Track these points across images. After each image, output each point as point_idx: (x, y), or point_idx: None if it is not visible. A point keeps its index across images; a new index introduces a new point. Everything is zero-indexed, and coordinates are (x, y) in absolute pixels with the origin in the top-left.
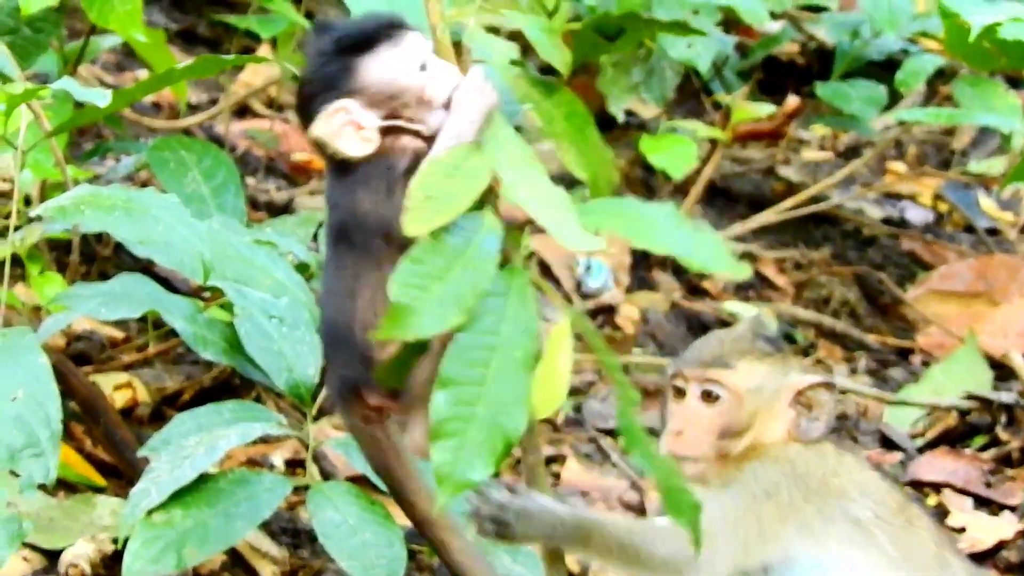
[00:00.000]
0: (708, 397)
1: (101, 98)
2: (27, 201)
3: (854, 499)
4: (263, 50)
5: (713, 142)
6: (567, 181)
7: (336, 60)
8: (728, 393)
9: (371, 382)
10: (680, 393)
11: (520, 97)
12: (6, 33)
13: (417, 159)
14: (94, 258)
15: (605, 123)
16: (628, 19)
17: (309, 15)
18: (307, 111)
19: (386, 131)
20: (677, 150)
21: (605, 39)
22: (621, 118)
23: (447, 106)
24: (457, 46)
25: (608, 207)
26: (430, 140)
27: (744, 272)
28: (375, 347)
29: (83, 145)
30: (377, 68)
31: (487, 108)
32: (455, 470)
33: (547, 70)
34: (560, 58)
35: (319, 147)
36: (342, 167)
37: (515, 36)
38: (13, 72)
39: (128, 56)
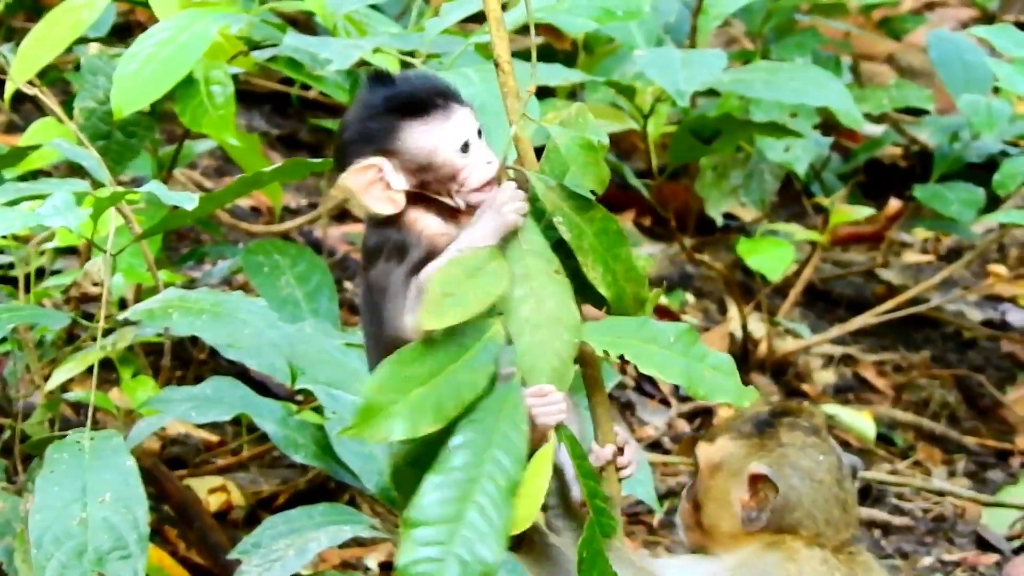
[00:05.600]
0: (694, 467)
1: (189, 201)
2: (124, 305)
3: None
4: None
5: (814, 244)
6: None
7: (381, 117)
8: (699, 464)
9: None
10: None
11: (551, 210)
12: (99, 138)
13: (430, 249)
14: (190, 362)
15: (705, 226)
16: (724, 121)
17: None
18: (342, 159)
19: (413, 201)
20: (774, 253)
21: (701, 142)
22: (720, 221)
23: (480, 190)
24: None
25: (619, 327)
26: (452, 220)
27: (751, 398)
28: None
29: (182, 250)
30: (419, 136)
31: (506, 228)
32: None
33: (645, 173)
34: (595, 176)
35: (346, 197)
36: (372, 220)
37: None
38: (103, 176)
39: (228, 162)
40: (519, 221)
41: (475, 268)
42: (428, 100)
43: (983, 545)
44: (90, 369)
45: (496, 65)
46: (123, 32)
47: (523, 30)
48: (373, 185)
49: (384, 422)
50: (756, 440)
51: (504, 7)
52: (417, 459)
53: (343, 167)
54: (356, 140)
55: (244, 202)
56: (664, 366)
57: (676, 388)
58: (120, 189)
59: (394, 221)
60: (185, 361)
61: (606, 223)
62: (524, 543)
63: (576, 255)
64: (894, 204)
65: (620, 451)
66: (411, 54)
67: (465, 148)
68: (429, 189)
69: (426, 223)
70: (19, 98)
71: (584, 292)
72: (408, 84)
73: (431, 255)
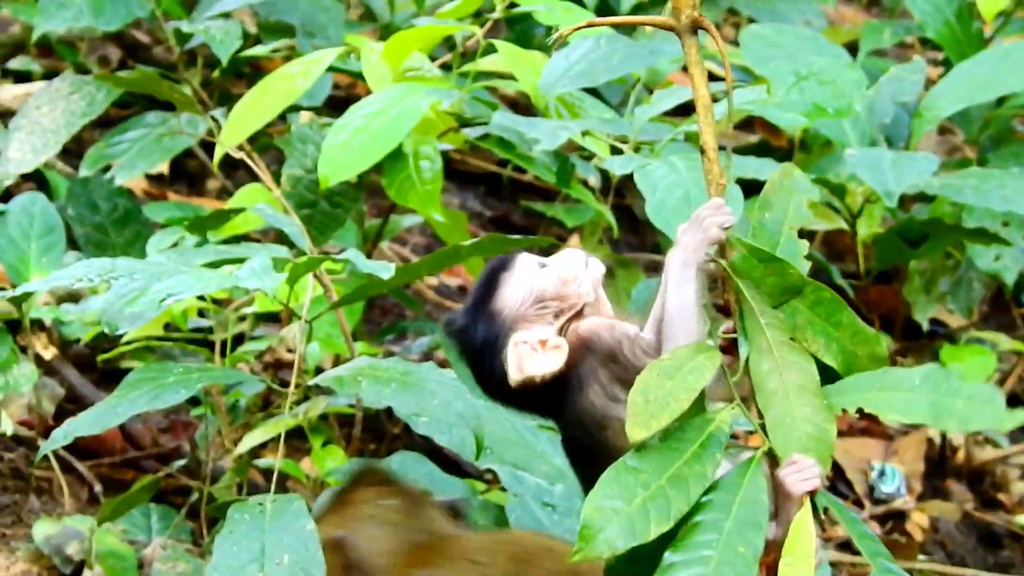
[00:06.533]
0: None
1: (384, 271)
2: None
3: None
4: (574, 239)
5: (1020, 355)
6: None
7: (480, 320)
8: None
9: None
10: None
11: (760, 292)
12: (304, 206)
13: (610, 337)
14: (383, 436)
15: (912, 330)
16: (933, 226)
17: (616, 207)
18: (494, 374)
19: (563, 332)
20: (976, 361)
21: (910, 245)
22: (926, 327)
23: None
24: None
25: (856, 384)
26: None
27: (1014, 420)
28: None
29: (385, 325)
30: (511, 293)
31: (710, 242)
32: None
33: (855, 275)
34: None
35: (528, 389)
36: (552, 394)
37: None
38: (305, 244)
39: (437, 240)
40: (722, 235)
41: (674, 368)
42: (490, 276)
43: None
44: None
45: (702, 152)
46: (341, 105)
47: (741, 125)
48: (534, 355)
49: (603, 538)
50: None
51: (715, 100)
52: (632, 557)
53: (502, 377)
54: (489, 352)
55: (452, 280)
56: (907, 409)
57: (871, 490)
58: (317, 256)
59: (568, 366)
60: (378, 434)
61: (818, 293)
62: None
63: (793, 335)
64: None
65: None
66: (622, 139)
67: (543, 265)
68: (565, 312)
69: (590, 328)
70: (233, 164)
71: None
72: (471, 295)
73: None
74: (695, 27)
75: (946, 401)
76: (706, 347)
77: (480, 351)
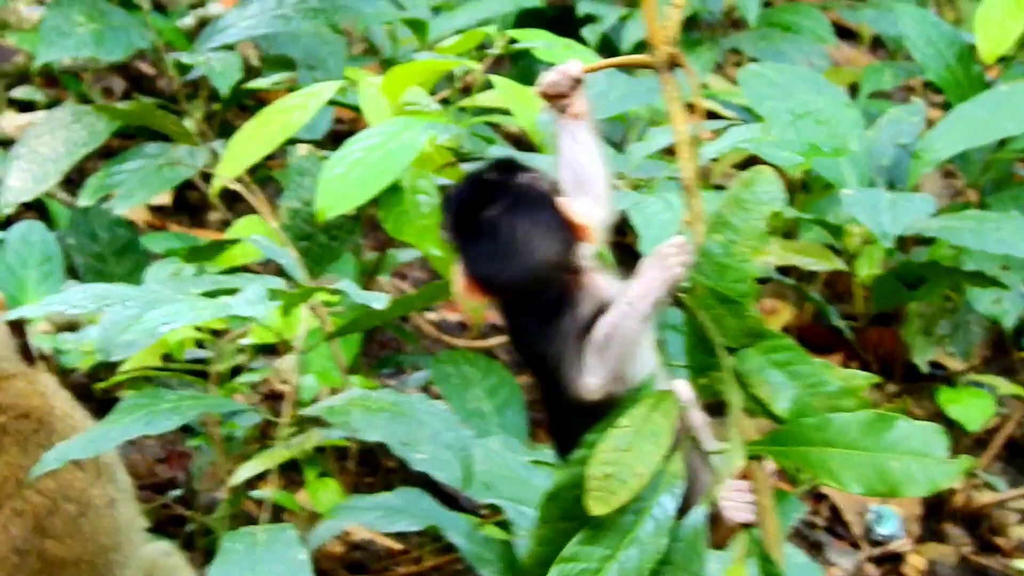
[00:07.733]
0: None
1: (377, 301)
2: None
3: None
4: None
5: (1020, 399)
6: None
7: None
8: None
9: None
10: None
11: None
12: (302, 238)
13: (593, 300)
14: (379, 469)
15: (912, 373)
16: (930, 268)
17: (618, 245)
18: (550, 224)
19: None
20: (975, 404)
21: (908, 287)
22: (926, 369)
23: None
24: None
25: (795, 432)
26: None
27: (949, 479)
28: None
29: (383, 358)
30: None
31: (671, 280)
32: None
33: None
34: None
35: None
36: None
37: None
38: (300, 276)
39: (437, 275)
40: (683, 275)
41: (631, 438)
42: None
43: None
44: (279, 467)
45: (685, 188)
46: (343, 139)
47: (744, 165)
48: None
49: None
50: None
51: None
52: (547, 561)
53: (562, 232)
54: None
55: (452, 315)
56: (840, 471)
57: (868, 531)
58: (311, 286)
59: (563, 292)
60: (374, 468)
61: (776, 340)
62: None
63: (741, 379)
64: None
65: None
66: (620, 176)
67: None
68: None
69: (592, 279)
70: (237, 197)
71: None
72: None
73: (599, 310)
74: (672, 64)
75: (879, 460)
76: (663, 398)
77: (533, 199)
